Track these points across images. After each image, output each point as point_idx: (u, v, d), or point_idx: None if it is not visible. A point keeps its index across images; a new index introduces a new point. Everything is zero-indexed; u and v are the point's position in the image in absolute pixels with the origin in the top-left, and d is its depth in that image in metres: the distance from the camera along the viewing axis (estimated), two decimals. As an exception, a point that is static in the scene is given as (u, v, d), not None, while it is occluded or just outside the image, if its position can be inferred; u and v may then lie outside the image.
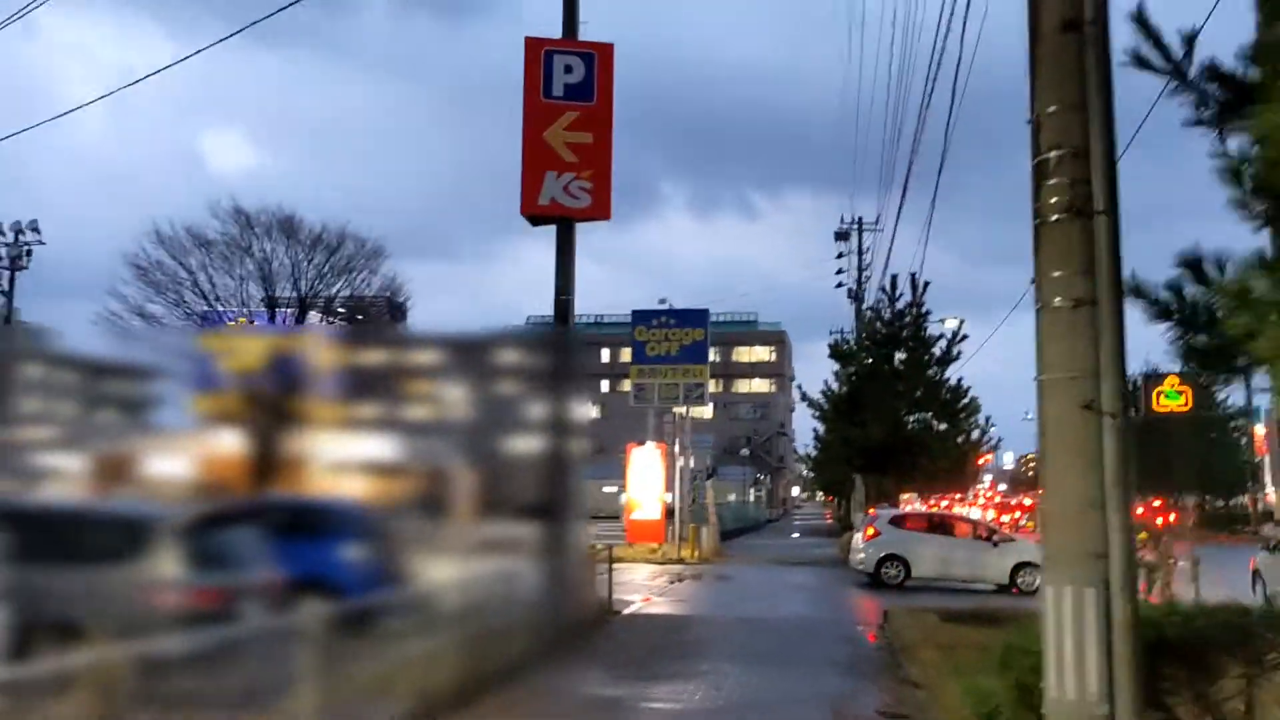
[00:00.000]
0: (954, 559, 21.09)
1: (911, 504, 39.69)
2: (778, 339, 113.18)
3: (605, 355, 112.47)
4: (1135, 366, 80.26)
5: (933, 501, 58.06)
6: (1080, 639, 4.99)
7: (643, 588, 19.69)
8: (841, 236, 45.95)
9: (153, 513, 8.25)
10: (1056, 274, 5.28)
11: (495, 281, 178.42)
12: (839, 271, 47.05)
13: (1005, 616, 14.51)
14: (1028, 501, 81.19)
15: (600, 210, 14.76)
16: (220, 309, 34.93)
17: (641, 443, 29.09)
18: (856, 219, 45.00)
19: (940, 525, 22.25)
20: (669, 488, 35.79)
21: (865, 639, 13.35)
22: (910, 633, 12.49)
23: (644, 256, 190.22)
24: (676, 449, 37.51)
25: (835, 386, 32.36)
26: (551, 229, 14.93)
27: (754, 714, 8.45)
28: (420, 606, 10.93)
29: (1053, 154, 5.27)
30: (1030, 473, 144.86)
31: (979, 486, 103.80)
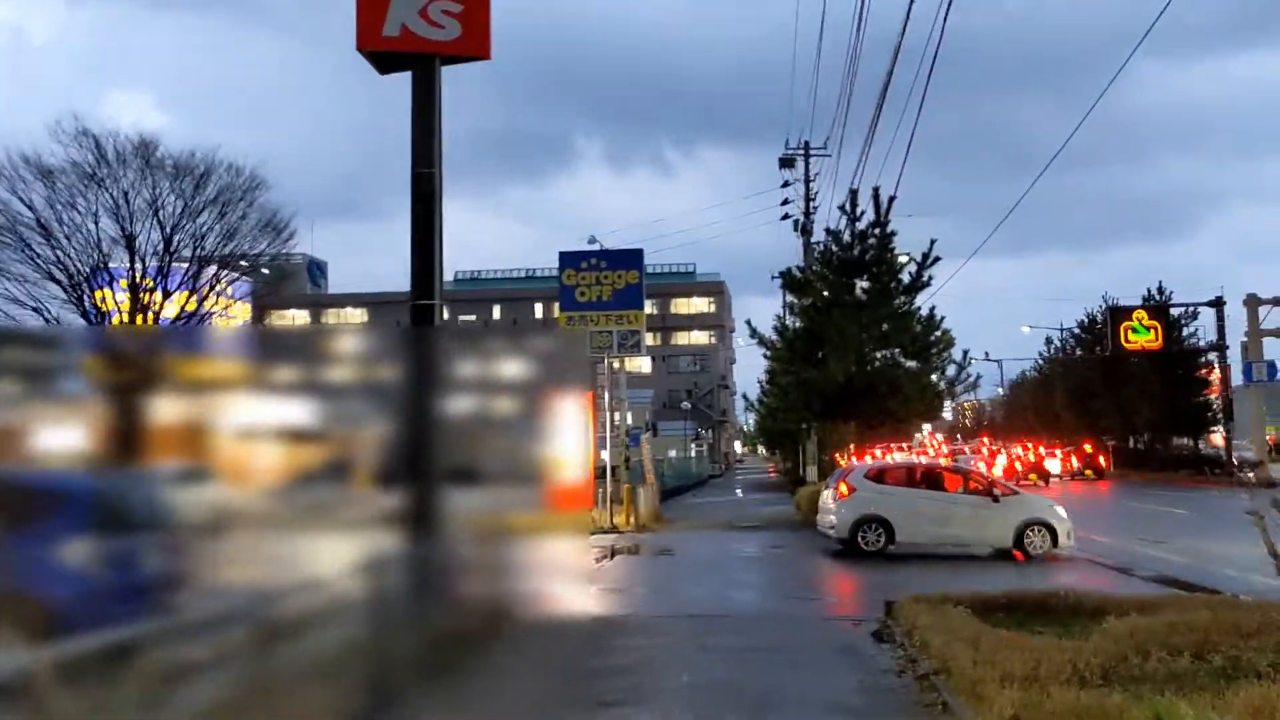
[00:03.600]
0: (947, 518, 17.15)
1: (875, 455, 36.23)
2: (717, 289, 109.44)
3: (539, 310, 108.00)
4: (1094, 302, 77.11)
5: (877, 453, 54.68)
6: None
7: (563, 569, 15.46)
8: (786, 164, 41.85)
9: None
10: None
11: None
12: (785, 202, 43.04)
13: (1062, 606, 10.46)
14: (985, 449, 78.41)
15: (475, 44, 10.22)
16: (78, 257, 29.67)
17: (564, 391, 24.75)
18: (804, 143, 40.96)
19: (927, 478, 18.22)
20: (600, 446, 31.66)
21: (869, 648, 9.20)
22: (941, 640, 8.38)
23: (567, 216, 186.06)
24: (608, 400, 33.23)
25: (789, 322, 28.24)
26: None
27: None
28: (200, 631, 6.56)
29: None
30: (969, 423, 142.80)
31: (920, 436, 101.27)
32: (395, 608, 7.90)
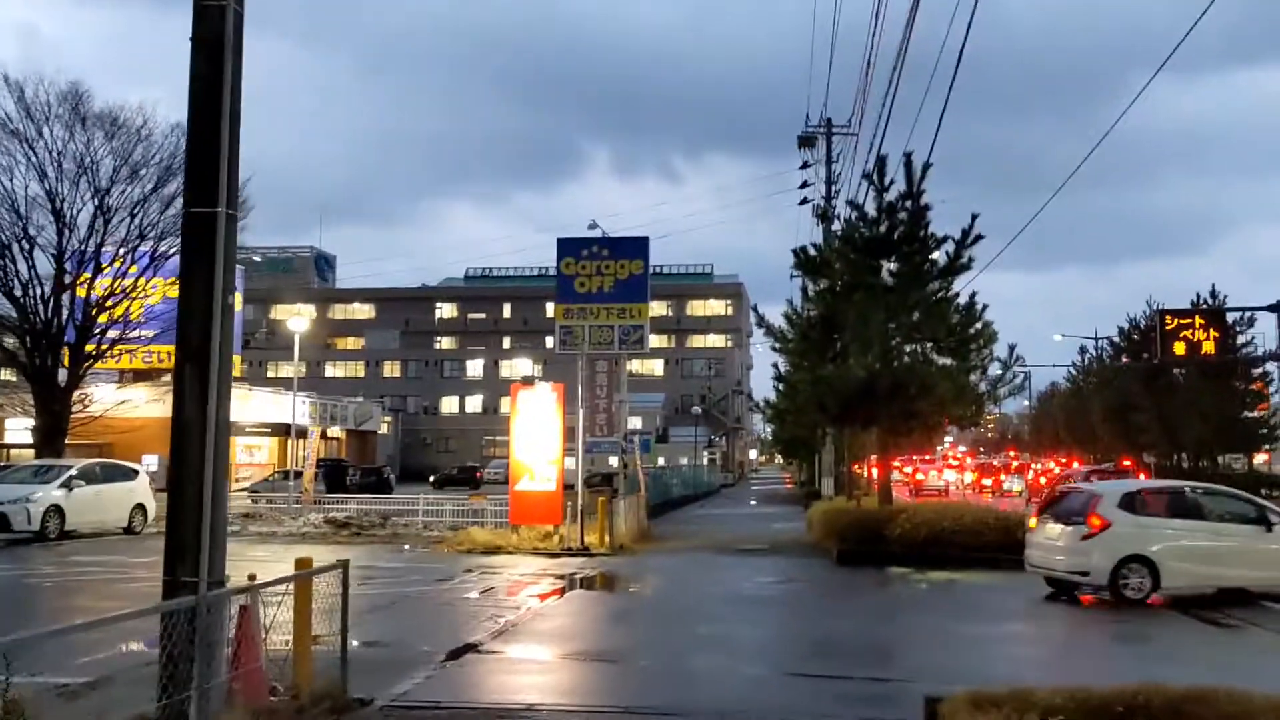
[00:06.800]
0: (1215, 554, 13.18)
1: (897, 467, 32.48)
2: (734, 291, 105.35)
3: (550, 309, 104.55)
4: (1137, 308, 72.80)
5: (897, 464, 50.55)
6: None
7: (487, 612, 11.60)
8: (806, 142, 37.92)
9: None
10: None
11: (426, 243, 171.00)
12: (804, 185, 39.21)
13: (1211, 717, 6.59)
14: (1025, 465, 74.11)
15: None
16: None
17: (529, 382, 20.87)
18: (825, 120, 37.08)
19: (1183, 504, 13.93)
20: (594, 450, 28.05)
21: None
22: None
23: (577, 221, 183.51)
24: (607, 397, 29.60)
25: (803, 310, 24.23)
26: None
27: None
28: None
29: None
30: (991, 434, 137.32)
31: (941, 448, 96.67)
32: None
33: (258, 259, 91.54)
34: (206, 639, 5.99)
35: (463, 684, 8.07)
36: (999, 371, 21.64)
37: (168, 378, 43.97)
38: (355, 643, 9.43)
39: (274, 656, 7.06)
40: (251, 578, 7.33)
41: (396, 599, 12.72)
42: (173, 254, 29.26)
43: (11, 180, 25.72)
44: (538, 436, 19.77)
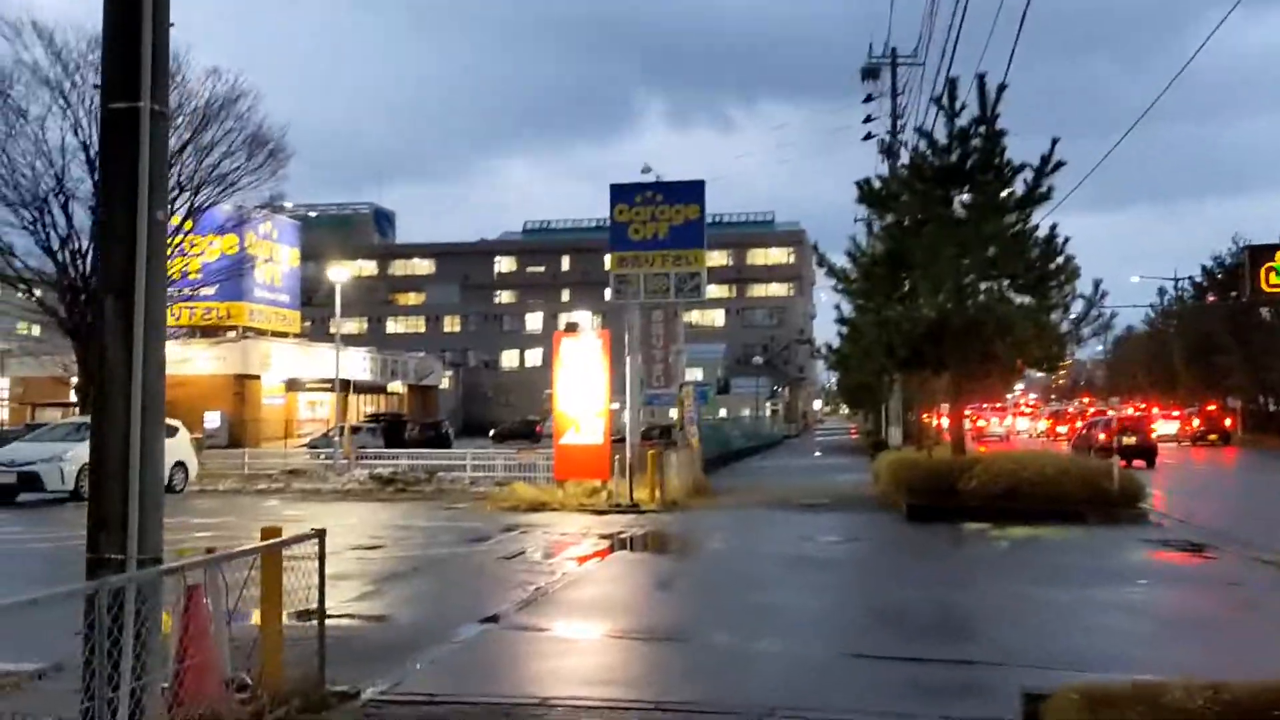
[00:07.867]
0: None
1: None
2: (796, 239, 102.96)
3: (609, 261, 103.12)
4: (1215, 246, 69.79)
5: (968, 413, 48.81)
6: None
7: (517, 578, 10.49)
8: (870, 74, 36.05)
9: None
10: None
11: (484, 198, 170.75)
12: (868, 119, 37.27)
13: None
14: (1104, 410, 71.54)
15: None
16: (32, 173, 25.48)
17: (573, 330, 19.63)
18: (890, 50, 35.11)
19: None
20: (654, 402, 27.03)
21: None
22: None
23: (633, 175, 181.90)
24: (664, 347, 28.49)
25: (868, 247, 22.63)
26: None
27: None
28: None
29: None
30: (1063, 380, 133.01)
31: (1011, 395, 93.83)
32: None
33: (314, 215, 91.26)
34: (140, 628, 4.94)
35: (471, 669, 6.95)
36: (1081, 310, 19.93)
37: (231, 334, 43.92)
38: (358, 619, 8.39)
39: (245, 643, 5.99)
40: (210, 551, 6.25)
41: (421, 563, 11.69)
42: (208, 205, 28.56)
43: (44, 130, 25.07)
44: (583, 387, 18.60)
